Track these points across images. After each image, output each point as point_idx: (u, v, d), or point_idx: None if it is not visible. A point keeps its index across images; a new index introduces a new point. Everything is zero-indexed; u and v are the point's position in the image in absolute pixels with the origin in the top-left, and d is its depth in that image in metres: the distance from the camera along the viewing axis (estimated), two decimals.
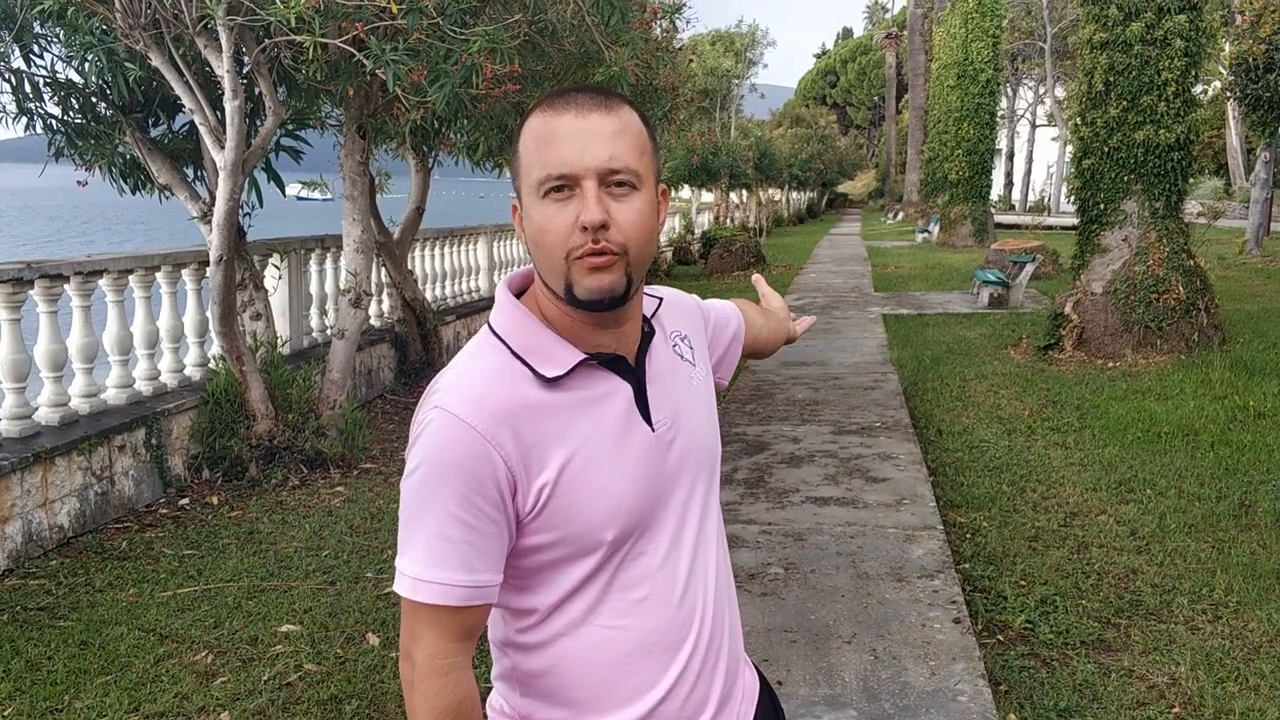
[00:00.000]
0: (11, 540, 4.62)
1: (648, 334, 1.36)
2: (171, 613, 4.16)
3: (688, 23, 11.02)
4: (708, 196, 26.27)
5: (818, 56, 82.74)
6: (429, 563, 1.19)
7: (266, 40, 4.73)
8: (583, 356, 1.25)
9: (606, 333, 1.28)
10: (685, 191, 24.27)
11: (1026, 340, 10.20)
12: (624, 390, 1.29)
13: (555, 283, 1.22)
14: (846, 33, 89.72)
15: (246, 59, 4.94)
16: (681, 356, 1.42)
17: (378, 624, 4.03)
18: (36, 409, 5.15)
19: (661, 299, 1.47)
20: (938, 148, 27.67)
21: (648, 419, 1.30)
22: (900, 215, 40.73)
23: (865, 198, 63.15)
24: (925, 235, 28.13)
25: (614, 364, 1.29)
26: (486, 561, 1.21)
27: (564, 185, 1.18)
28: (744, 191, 28.65)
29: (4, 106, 5.03)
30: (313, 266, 7.84)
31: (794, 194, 42.29)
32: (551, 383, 1.24)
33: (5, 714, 3.38)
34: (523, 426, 1.21)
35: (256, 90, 5.20)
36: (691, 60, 21.29)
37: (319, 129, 6.94)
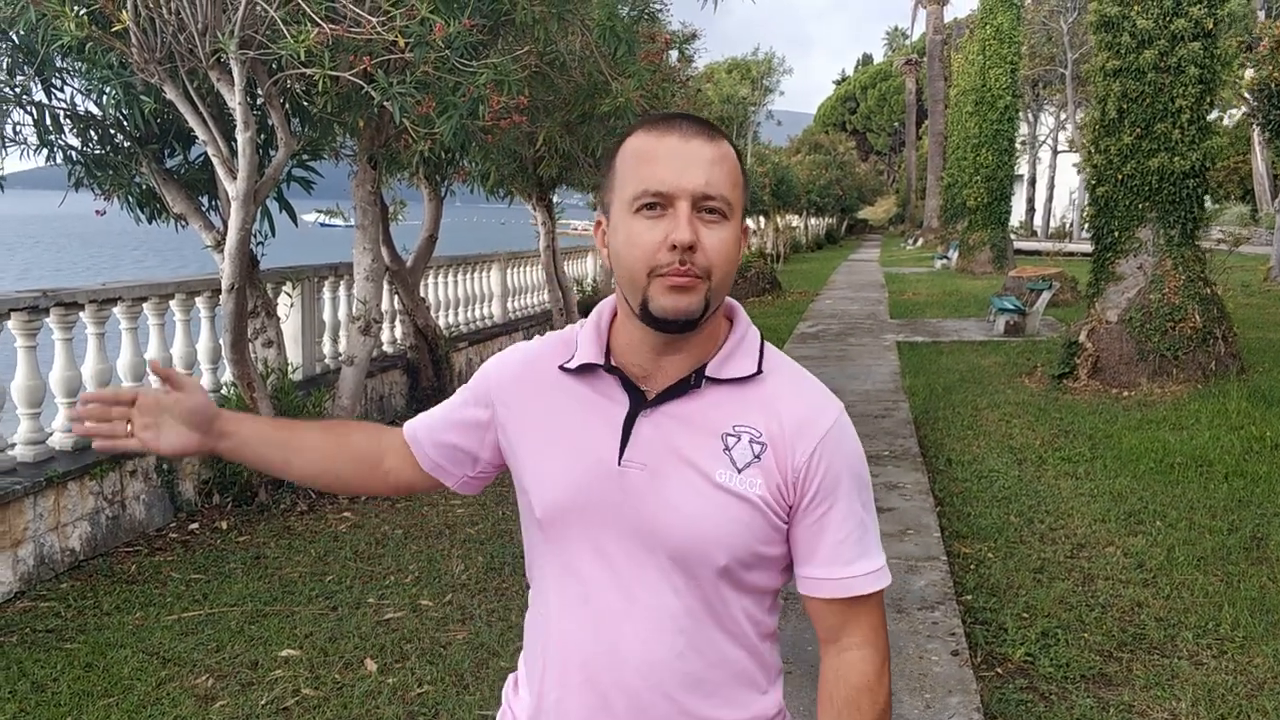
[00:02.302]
0: (24, 563, 4.68)
1: (694, 386, 1.30)
2: (175, 636, 4.21)
3: (694, 53, 11.09)
4: None
5: (837, 83, 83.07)
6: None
7: (278, 73, 4.82)
8: (601, 363, 1.32)
9: (658, 358, 1.30)
10: None
11: (1041, 369, 10.16)
12: (620, 410, 1.31)
13: (632, 297, 1.25)
14: (866, 59, 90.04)
15: (260, 91, 5.03)
16: (726, 447, 1.28)
17: (376, 649, 4.05)
18: (50, 434, 5.23)
19: (783, 390, 1.32)
20: (956, 174, 27.66)
21: (623, 447, 1.29)
22: (920, 241, 40.69)
23: (885, 223, 63.11)
24: (944, 262, 28.07)
25: (631, 385, 1.31)
26: (441, 425, 1.48)
27: (658, 203, 1.21)
28: (761, 218, 28.72)
29: (26, 138, 5.15)
30: (326, 294, 7.94)
31: (812, 220, 42.33)
32: (565, 371, 1.35)
33: None
34: (525, 386, 1.39)
35: (270, 121, 5.29)
36: (707, 88, 21.46)
37: (334, 159, 7.05)
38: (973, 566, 4.98)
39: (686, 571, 1.28)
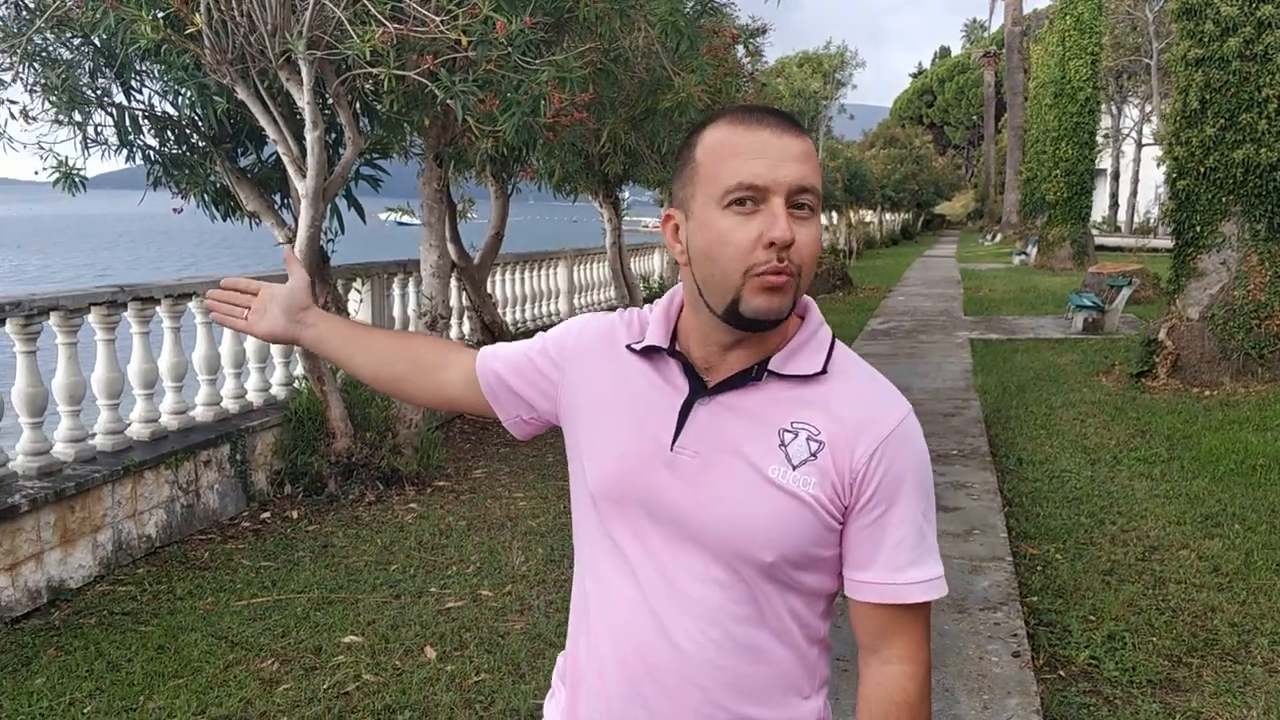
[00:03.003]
0: (103, 548, 4.87)
1: (754, 378, 1.28)
2: (244, 621, 4.33)
3: (761, 47, 11.02)
4: None
5: (914, 76, 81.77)
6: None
7: (346, 73, 4.92)
8: (664, 346, 1.32)
9: (724, 352, 1.29)
10: None
11: (1119, 367, 9.88)
12: (679, 396, 1.30)
13: (719, 296, 1.22)
14: (944, 52, 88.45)
15: (328, 91, 5.15)
16: (783, 443, 1.26)
17: (436, 637, 4.12)
18: (129, 425, 5.43)
19: (846, 384, 1.29)
20: (1036, 168, 27.04)
21: (677, 432, 1.29)
22: (998, 237, 39.86)
23: (964, 219, 61.94)
24: (1022, 258, 27.47)
25: (693, 371, 1.31)
26: (511, 363, 1.50)
27: (750, 198, 1.19)
28: (833, 213, 28.41)
29: (107, 138, 5.35)
30: (395, 290, 8.09)
31: (887, 215, 41.76)
32: (630, 350, 1.36)
33: (85, 711, 3.56)
34: (598, 358, 1.40)
35: (339, 120, 5.41)
36: (777, 82, 21.29)
37: (403, 157, 7.18)
38: (1039, 567, 4.87)
39: (729, 565, 1.26)
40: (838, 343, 1.33)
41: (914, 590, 1.26)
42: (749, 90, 10.68)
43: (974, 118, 67.83)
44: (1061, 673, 3.79)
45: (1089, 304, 13.15)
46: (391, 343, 1.62)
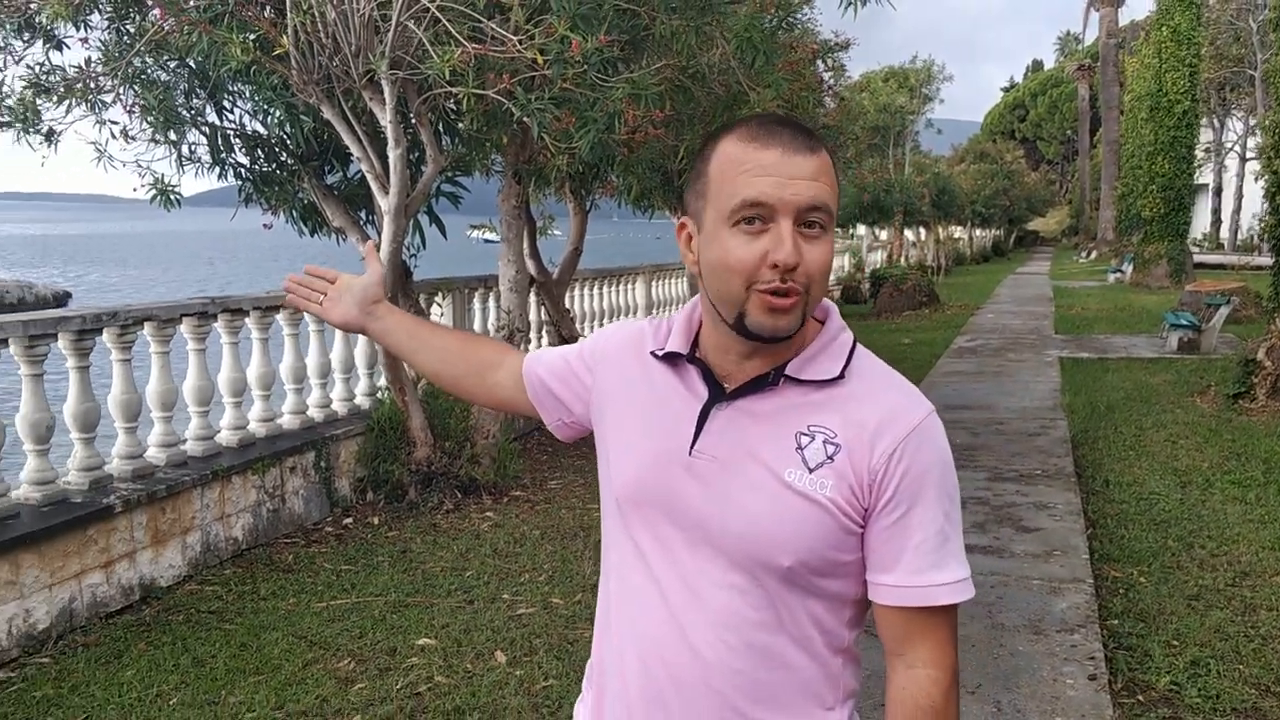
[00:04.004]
0: (191, 549, 5.07)
1: (771, 383, 1.29)
2: (323, 622, 4.47)
3: (839, 62, 10.95)
4: (884, 234, 25.88)
5: (1006, 90, 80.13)
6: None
7: (427, 92, 5.07)
8: (684, 353, 1.35)
9: (742, 361, 1.30)
10: (860, 229, 23.96)
11: (1215, 388, 9.53)
12: (698, 401, 1.32)
13: (727, 309, 1.24)
14: (1036, 65, 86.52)
15: (410, 110, 5.30)
16: (799, 447, 1.26)
17: (507, 643, 4.19)
18: (218, 431, 5.65)
19: (866, 389, 1.29)
20: (1131, 183, 26.30)
21: (696, 437, 1.30)
22: (1093, 254, 38.78)
23: (1058, 235, 60.41)
24: (1117, 275, 26.68)
25: (712, 377, 1.33)
26: (552, 367, 1.55)
27: (758, 217, 1.19)
28: (921, 229, 28.01)
29: (200, 156, 5.61)
30: (476, 304, 8.26)
31: (978, 231, 40.98)
32: (654, 356, 1.39)
33: (171, 703, 3.72)
34: (625, 364, 1.43)
35: (421, 139, 5.56)
36: (862, 97, 21.15)
37: (484, 175, 7.33)
38: (1121, 590, 4.73)
39: (747, 570, 1.25)
40: (859, 347, 1.33)
41: (936, 593, 1.24)
42: (828, 105, 10.63)
43: (1068, 132, 66.18)
44: (1140, 697, 3.67)
45: (1185, 323, 12.72)
46: (454, 343, 1.68)
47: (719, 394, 1.31)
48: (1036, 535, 5.48)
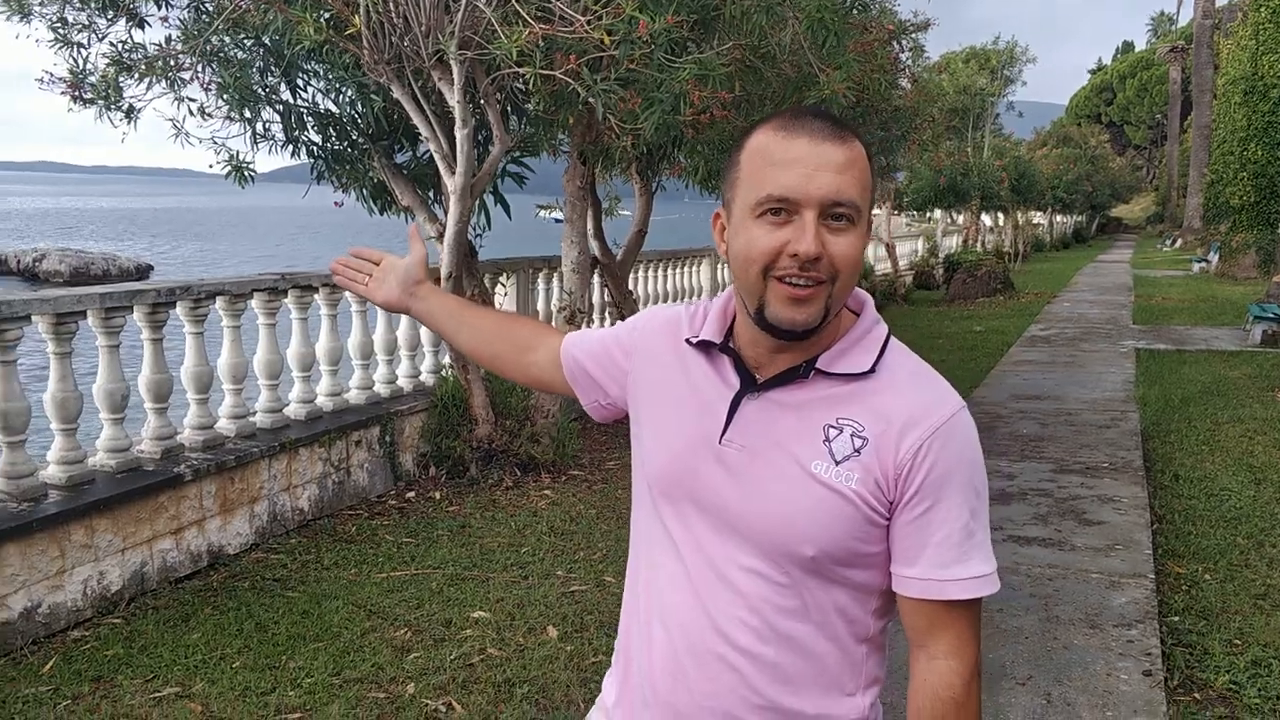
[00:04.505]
0: (259, 518, 5.23)
1: (802, 375, 1.30)
2: (382, 592, 4.58)
3: (916, 43, 10.76)
4: (960, 219, 25.39)
5: (1093, 72, 77.84)
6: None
7: (495, 73, 5.12)
8: (717, 342, 1.36)
9: (773, 355, 1.31)
10: (935, 213, 23.54)
11: None
12: (730, 390, 1.33)
13: (749, 298, 1.25)
14: (1126, 46, 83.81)
15: (479, 90, 5.36)
16: (827, 439, 1.27)
17: (559, 618, 4.26)
18: (286, 404, 5.80)
19: (892, 379, 1.29)
20: (1221, 170, 25.33)
21: (726, 426, 1.31)
22: (1179, 242, 37.58)
23: (1143, 223, 58.67)
24: (1202, 265, 25.84)
25: (744, 367, 1.33)
26: (590, 349, 1.56)
27: (782, 209, 1.20)
28: (999, 214, 27.41)
29: (274, 134, 5.74)
30: (540, 284, 8.33)
31: (1058, 217, 39.96)
32: (689, 344, 1.40)
33: (234, 665, 3.86)
34: (662, 350, 1.44)
35: (489, 119, 5.62)
36: (941, 78, 20.70)
37: (552, 155, 7.38)
38: (1184, 587, 4.62)
39: (771, 558, 1.27)
40: (893, 340, 1.33)
41: (958, 587, 1.25)
42: (904, 87, 10.44)
43: (1157, 116, 64.11)
44: (1196, 695, 3.60)
45: (1270, 315, 12.28)
46: (493, 324, 1.72)
47: (750, 384, 1.32)
48: (1099, 529, 5.37)
